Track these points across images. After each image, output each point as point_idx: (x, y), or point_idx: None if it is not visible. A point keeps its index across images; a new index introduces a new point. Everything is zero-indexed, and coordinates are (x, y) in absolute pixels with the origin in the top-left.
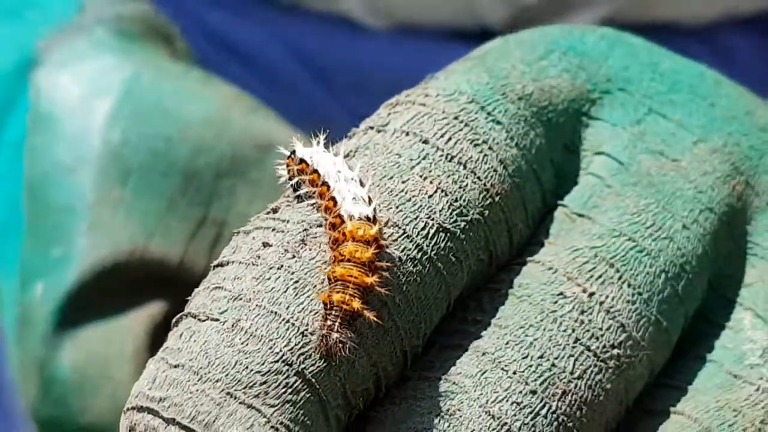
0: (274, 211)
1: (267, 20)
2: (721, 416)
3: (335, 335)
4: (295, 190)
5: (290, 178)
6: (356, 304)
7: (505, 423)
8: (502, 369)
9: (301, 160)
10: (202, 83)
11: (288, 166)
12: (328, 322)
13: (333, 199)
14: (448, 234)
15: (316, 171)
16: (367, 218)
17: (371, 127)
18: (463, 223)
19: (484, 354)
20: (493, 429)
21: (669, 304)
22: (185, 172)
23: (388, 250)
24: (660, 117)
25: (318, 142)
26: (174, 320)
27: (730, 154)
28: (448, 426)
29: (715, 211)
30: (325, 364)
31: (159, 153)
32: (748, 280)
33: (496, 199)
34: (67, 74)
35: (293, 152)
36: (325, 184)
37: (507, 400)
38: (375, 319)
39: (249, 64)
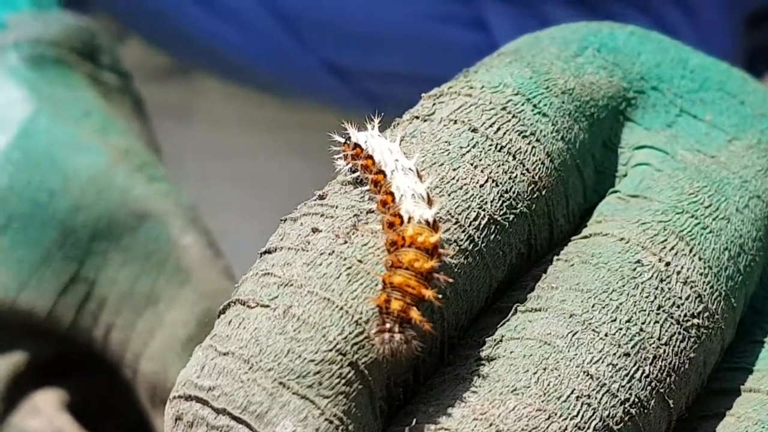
0: (321, 197)
1: None
2: None
3: (398, 337)
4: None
5: (349, 167)
6: (415, 314)
7: (604, 384)
8: (593, 331)
9: (356, 145)
10: (96, 132)
11: (344, 152)
12: (387, 326)
13: (391, 194)
14: (498, 226)
15: (370, 157)
16: (428, 223)
17: (416, 117)
18: (512, 216)
19: (571, 316)
20: (593, 389)
21: (734, 281)
22: (63, 226)
23: (446, 260)
24: (691, 118)
25: (373, 126)
26: (221, 308)
27: (766, 150)
28: (549, 385)
29: (763, 200)
30: (375, 356)
31: (41, 204)
32: None
33: (543, 192)
34: None
35: (348, 138)
36: (380, 172)
37: (602, 362)
38: (431, 329)
39: (220, 13)
